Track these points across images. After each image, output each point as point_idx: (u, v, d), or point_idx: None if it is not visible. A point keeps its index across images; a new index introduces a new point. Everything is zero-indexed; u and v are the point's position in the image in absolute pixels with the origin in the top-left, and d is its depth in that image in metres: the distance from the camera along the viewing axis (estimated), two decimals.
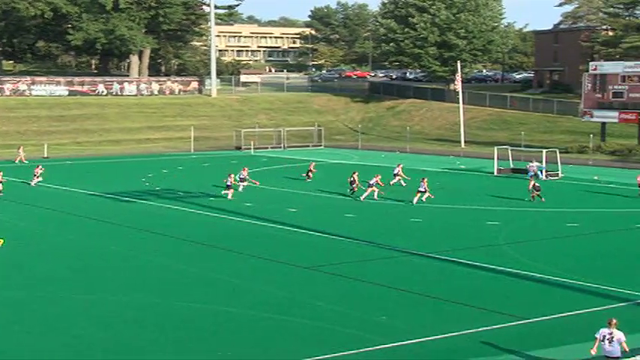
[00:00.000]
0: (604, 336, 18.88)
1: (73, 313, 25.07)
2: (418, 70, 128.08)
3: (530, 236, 37.74)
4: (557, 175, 59.98)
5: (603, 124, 78.02)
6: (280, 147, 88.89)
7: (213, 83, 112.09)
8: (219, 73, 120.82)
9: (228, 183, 50.23)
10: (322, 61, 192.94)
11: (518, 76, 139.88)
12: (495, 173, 62.13)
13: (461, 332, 22.86)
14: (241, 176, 52.98)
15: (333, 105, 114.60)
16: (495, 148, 64.86)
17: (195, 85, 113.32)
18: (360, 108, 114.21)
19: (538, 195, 48.42)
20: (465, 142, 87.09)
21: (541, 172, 58.29)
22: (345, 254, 33.58)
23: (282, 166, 70.95)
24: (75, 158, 76.52)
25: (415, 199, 47.15)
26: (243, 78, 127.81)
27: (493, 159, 63.52)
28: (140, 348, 21.87)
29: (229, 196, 49.50)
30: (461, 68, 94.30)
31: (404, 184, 54.38)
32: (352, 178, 51.04)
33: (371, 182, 49.28)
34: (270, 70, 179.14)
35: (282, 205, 46.78)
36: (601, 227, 40.11)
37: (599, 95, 75.79)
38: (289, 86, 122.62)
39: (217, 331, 23.26)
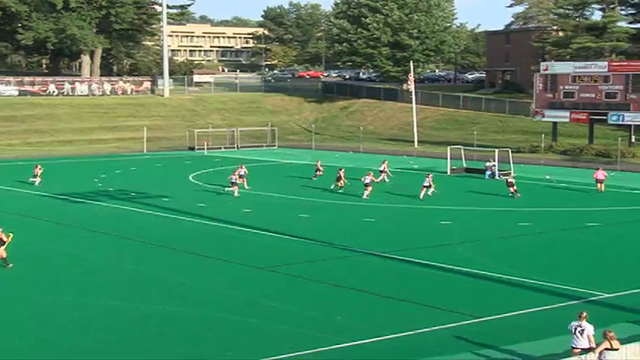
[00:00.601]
0: (574, 328, 19.24)
1: (20, 314, 24.73)
2: (371, 71, 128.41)
3: (483, 235, 37.95)
4: (509, 174, 60.38)
5: (554, 123, 78.75)
6: (234, 147, 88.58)
7: (165, 83, 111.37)
8: (171, 73, 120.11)
9: (234, 180, 50.96)
10: (275, 61, 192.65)
11: (470, 77, 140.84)
12: (448, 173, 62.43)
13: (416, 331, 22.91)
14: (240, 173, 53.26)
15: (286, 105, 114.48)
16: (448, 147, 65.16)
17: (147, 85, 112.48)
18: (313, 108, 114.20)
19: (513, 191, 49.73)
20: (418, 141, 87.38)
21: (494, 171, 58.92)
22: (299, 254, 33.52)
23: (236, 166, 70.54)
24: (26, 159, 75.52)
25: (422, 194, 48.73)
26: (196, 78, 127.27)
27: (446, 158, 63.82)
28: (91, 350, 21.63)
29: (235, 193, 50.32)
30: (414, 68, 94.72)
31: (388, 181, 55.25)
32: (338, 175, 52.51)
33: (367, 181, 49.81)
34: (223, 70, 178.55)
35: (237, 206, 46.59)
36: (553, 226, 40.43)
37: (551, 95, 76.49)
38: (242, 86, 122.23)
39: (170, 331, 23.06)
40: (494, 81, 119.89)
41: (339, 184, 52.40)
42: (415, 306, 25.64)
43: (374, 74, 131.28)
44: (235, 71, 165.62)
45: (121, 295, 26.83)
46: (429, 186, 49.18)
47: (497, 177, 58.31)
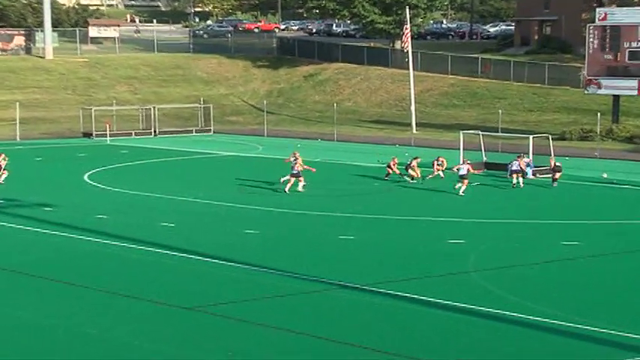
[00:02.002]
0: None
1: None
2: (349, 22, 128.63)
3: (511, 261, 37.99)
4: (552, 169, 60.49)
5: (616, 97, 79.12)
6: (150, 133, 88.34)
7: (47, 39, 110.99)
8: (56, 25, 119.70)
9: (296, 171, 53.47)
10: (209, 8, 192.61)
11: (492, 30, 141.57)
12: None
13: None
14: (295, 160, 54.55)
15: (225, 72, 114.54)
16: (461, 133, 65.31)
17: (20, 41, 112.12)
18: (265, 76, 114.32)
19: (555, 179, 54.85)
20: (417, 124, 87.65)
21: (529, 169, 59.11)
22: (246, 288, 33.44)
23: (151, 160, 70.44)
24: None
25: (520, 181, 55.47)
26: (92, 32, 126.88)
27: (458, 149, 63.92)
28: None
29: (299, 187, 53.89)
30: (411, 18, 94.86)
31: (442, 177, 58.03)
32: (410, 163, 57.78)
33: (462, 172, 53.27)
34: (132, 21, 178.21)
35: (153, 218, 46.54)
36: (612, 247, 40.60)
37: (610, 57, 76.85)
38: (162, 44, 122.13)
39: None
40: (528, 36, 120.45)
41: (413, 175, 57.32)
42: None
43: (353, 27, 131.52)
44: (151, 22, 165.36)
45: None
46: (521, 170, 54.92)
47: (530, 176, 58.36)
